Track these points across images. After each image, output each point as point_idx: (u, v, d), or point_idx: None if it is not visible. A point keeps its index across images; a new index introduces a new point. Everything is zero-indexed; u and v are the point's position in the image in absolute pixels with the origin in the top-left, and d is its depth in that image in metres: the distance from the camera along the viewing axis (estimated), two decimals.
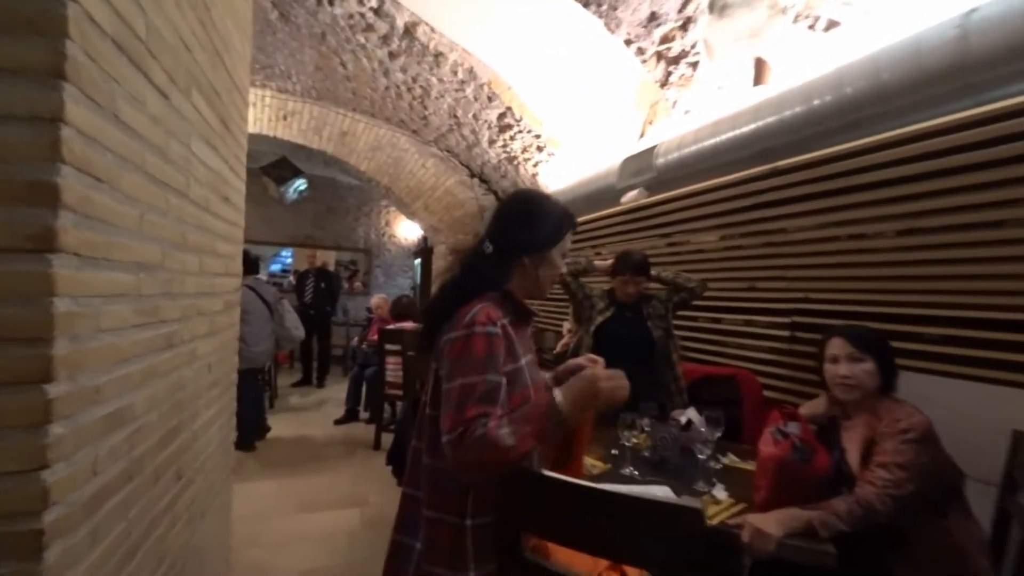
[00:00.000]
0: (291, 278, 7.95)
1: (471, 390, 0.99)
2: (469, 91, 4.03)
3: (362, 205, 8.66)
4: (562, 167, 4.30)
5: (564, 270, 1.20)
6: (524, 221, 1.20)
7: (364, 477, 3.53)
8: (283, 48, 4.13)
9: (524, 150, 4.48)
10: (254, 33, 4.04)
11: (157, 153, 1.13)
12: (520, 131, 4.21)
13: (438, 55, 3.72)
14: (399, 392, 3.93)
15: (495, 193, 5.78)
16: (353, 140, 5.27)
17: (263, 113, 5.03)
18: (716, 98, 2.87)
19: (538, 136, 4.16)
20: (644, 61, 3.01)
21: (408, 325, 4.07)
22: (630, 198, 3.48)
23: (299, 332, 4.22)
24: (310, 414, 5.07)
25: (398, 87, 4.35)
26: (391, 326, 4.12)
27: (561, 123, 4.02)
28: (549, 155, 4.32)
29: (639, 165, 3.38)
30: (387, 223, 8.81)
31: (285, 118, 5.08)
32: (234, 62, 1.77)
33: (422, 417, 1.17)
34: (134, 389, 1.06)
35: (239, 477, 3.42)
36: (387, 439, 4.00)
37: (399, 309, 4.25)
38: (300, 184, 6.98)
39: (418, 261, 7.82)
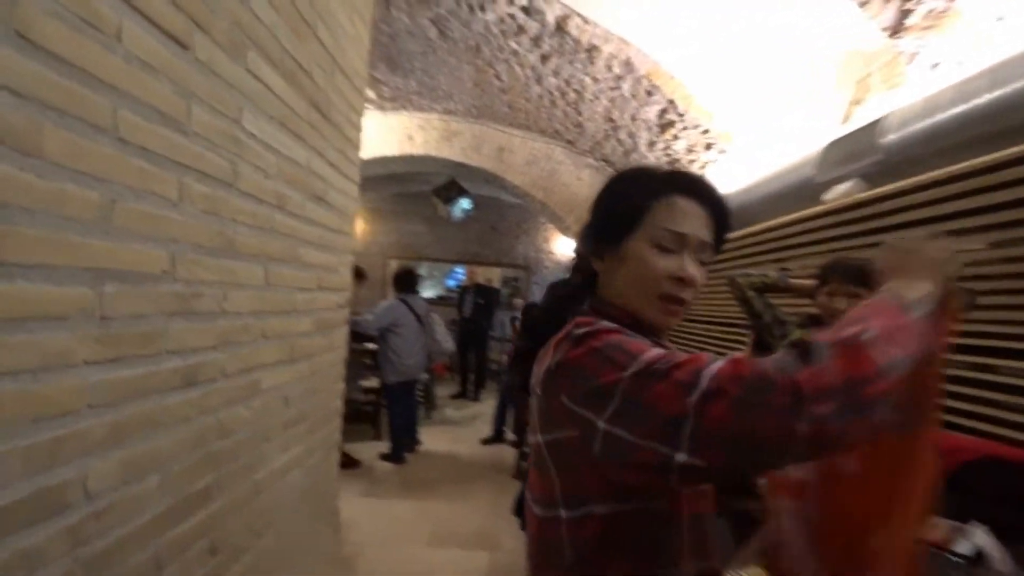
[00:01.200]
0: None
1: (664, 358, 0.51)
2: (626, 87, 3.41)
3: (522, 222, 8.48)
4: (737, 164, 3.41)
5: (662, 265, 0.60)
6: (592, 211, 0.73)
7: (500, 509, 3.07)
8: (443, 67, 4.00)
9: (689, 150, 3.69)
10: (418, 55, 4.00)
11: (152, 115, 0.77)
12: (685, 127, 3.45)
13: (591, 49, 3.19)
14: None
15: None
16: (510, 156, 5.00)
17: (430, 135, 5.02)
18: (992, 36, 1.84)
19: (706, 132, 3.35)
20: (864, 3, 2.08)
21: None
22: (839, 193, 2.50)
23: (448, 344, 3.98)
24: (461, 429, 4.83)
25: (551, 93, 3.92)
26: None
27: (734, 114, 3.17)
28: (720, 152, 3.47)
29: (852, 148, 2.40)
30: (545, 240, 8.50)
31: (448, 139, 5.02)
32: (339, 43, 1.45)
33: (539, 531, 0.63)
34: (87, 453, 0.70)
35: (381, 493, 3.22)
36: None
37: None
38: (466, 203, 7.00)
39: None
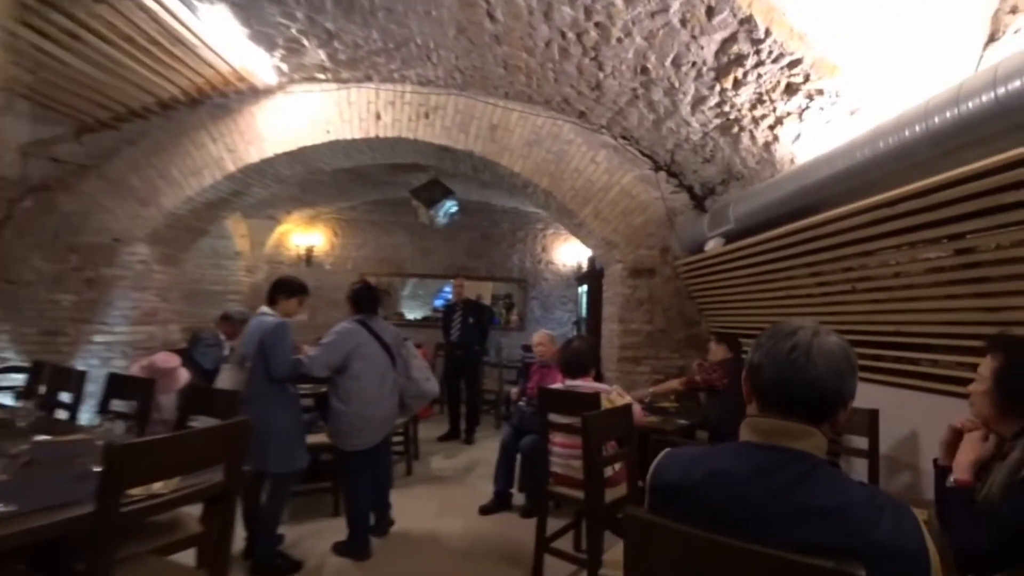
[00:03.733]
0: None
1: None
2: (674, 8, 2.37)
3: (517, 230, 7.41)
4: (845, 112, 2.37)
5: None
6: None
7: None
8: (415, 8, 2.94)
9: (759, 101, 2.65)
10: None
11: None
12: (760, 63, 2.40)
13: None
14: (573, 492, 2.26)
15: (689, 189, 3.97)
16: (505, 135, 3.94)
17: (402, 112, 3.95)
18: None
19: (794, 64, 2.31)
20: None
21: (585, 384, 2.43)
22: None
23: (431, 385, 2.82)
24: (453, 489, 3.65)
25: (563, 36, 2.87)
26: (558, 384, 2.51)
27: (849, 33, 2.14)
28: (811, 96, 2.43)
29: None
30: (543, 248, 7.43)
31: (427, 116, 3.94)
32: None
33: None
34: None
35: None
36: (553, 565, 2.35)
37: (572, 359, 2.55)
38: (451, 206, 5.91)
39: (583, 289, 6.22)
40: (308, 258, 7.34)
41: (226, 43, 3.33)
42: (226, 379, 2.63)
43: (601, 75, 3.14)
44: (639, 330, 4.04)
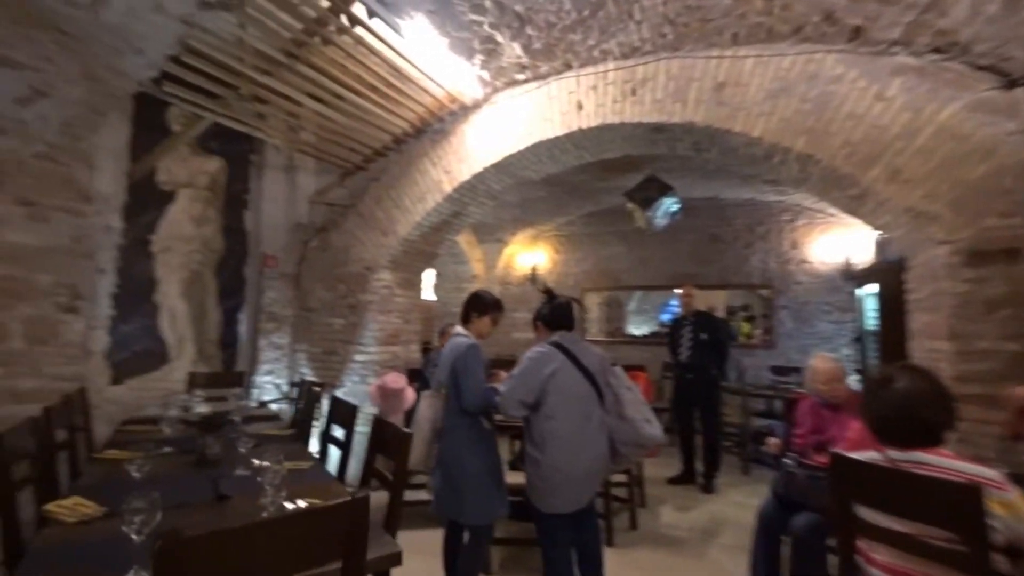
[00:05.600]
0: None
1: None
2: None
3: (755, 226, 5.94)
4: None
5: None
6: None
7: None
8: None
9: None
10: None
11: None
12: None
13: None
14: None
15: None
16: (736, 93, 2.93)
17: (605, 95, 3.31)
18: None
19: None
20: None
21: (938, 461, 1.23)
22: None
23: (652, 429, 2.01)
24: (688, 563, 2.69)
25: None
26: (872, 454, 1.37)
27: None
28: None
29: None
30: (793, 244, 5.75)
31: (634, 92, 3.22)
32: None
33: None
34: None
35: None
36: None
37: (903, 412, 1.19)
38: (671, 204, 4.98)
39: (866, 291, 4.42)
40: (533, 277, 7.30)
41: (434, 62, 3.30)
42: (423, 408, 2.26)
43: None
44: (991, 351, 2.40)
